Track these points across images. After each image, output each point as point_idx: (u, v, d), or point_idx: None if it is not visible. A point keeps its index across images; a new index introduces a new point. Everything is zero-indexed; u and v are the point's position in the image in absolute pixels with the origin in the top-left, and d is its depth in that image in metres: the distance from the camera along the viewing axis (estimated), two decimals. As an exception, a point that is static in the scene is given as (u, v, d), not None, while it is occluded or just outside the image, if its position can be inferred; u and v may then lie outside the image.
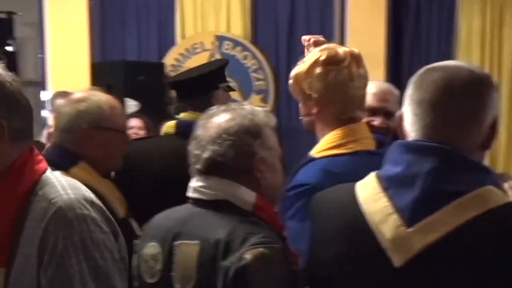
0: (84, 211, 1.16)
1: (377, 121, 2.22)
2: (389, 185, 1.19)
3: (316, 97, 1.71)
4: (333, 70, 1.70)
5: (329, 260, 1.25)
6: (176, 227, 1.42)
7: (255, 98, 5.32)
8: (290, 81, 1.77)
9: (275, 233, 1.39)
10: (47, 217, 1.14)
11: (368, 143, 1.73)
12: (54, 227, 1.13)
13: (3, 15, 5.06)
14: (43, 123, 4.73)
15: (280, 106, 5.36)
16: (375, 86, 2.25)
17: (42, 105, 4.80)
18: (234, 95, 5.30)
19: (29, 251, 1.15)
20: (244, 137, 1.40)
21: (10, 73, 1.23)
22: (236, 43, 5.32)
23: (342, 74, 1.70)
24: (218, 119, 1.43)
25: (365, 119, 2.00)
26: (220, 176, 1.40)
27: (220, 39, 5.34)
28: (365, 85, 1.74)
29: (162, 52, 5.40)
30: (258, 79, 5.37)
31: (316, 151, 1.74)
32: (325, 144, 1.72)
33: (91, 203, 1.19)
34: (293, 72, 1.77)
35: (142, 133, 4.22)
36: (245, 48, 5.32)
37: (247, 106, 1.48)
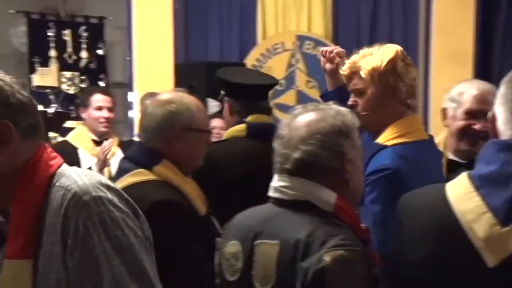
0: (99, 193, 1.18)
1: (478, 125, 2.07)
2: (481, 184, 1.16)
3: (395, 90, 1.84)
4: (410, 63, 1.88)
5: (417, 260, 1.22)
6: (257, 226, 1.42)
7: (336, 97, 5.25)
8: (364, 75, 1.85)
9: (356, 235, 1.37)
10: (65, 204, 1.17)
11: (423, 133, 1.89)
12: (73, 211, 1.16)
13: (95, 20, 5.27)
14: (131, 123, 4.90)
15: (361, 105, 5.26)
16: (475, 87, 2.11)
17: (129, 105, 4.96)
18: (315, 94, 5.28)
19: (53, 239, 1.17)
20: (336, 138, 1.39)
21: (3, 74, 1.24)
22: (317, 42, 5.27)
23: (414, 67, 1.90)
24: (306, 118, 1.42)
25: (465, 122, 2.10)
26: (304, 177, 1.39)
27: (301, 38, 5.32)
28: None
29: (244, 52, 5.44)
30: (339, 79, 5.29)
31: (385, 139, 1.83)
32: (393, 133, 1.83)
33: (107, 186, 1.21)
34: (368, 66, 1.85)
35: (223, 133, 4.27)
36: (326, 48, 5.27)
37: (333, 106, 1.46)
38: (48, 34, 5.03)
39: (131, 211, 1.22)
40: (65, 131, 4.28)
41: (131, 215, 1.22)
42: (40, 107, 4.69)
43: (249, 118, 2.32)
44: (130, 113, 4.90)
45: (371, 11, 5.23)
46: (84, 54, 5.20)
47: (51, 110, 4.16)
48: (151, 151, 1.87)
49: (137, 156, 1.88)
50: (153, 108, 1.91)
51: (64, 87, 5.09)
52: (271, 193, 1.45)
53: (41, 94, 4.77)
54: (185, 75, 4.92)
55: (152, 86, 4.93)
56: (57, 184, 1.21)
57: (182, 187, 1.85)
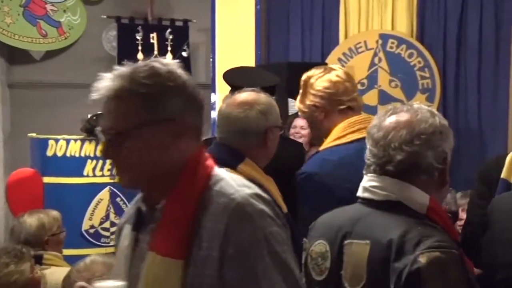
0: (260, 206, 1.15)
1: None
2: None
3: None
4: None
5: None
6: (346, 226, 1.40)
7: (420, 97, 5.06)
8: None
9: (450, 237, 1.32)
10: (228, 213, 1.14)
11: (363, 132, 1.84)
12: (236, 222, 1.13)
13: (180, 23, 5.37)
14: (213, 123, 4.95)
15: (445, 105, 5.06)
16: None
17: (212, 106, 5.02)
18: (397, 94, 5.13)
19: (210, 245, 1.14)
20: (438, 138, 1.38)
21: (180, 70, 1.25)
22: (400, 41, 5.10)
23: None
24: (402, 118, 1.39)
25: None
26: (401, 178, 1.36)
27: (384, 37, 5.16)
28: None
29: (325, 52, 5.35)
30: (423, 77, 5.10)
31: (322, 146, 2.04)
32: (328, 139, 2.02)
33: (263, 198, 1.18)
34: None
35: (304, 132, 4.23)
36: (410, 46, 5.09)
37: (422, 106, 1.42)
38: (136, 37, 5.18)
39: (282, 225, 1.19)
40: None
41: (283, 228, 1.19)
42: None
43: None
44: (213, 114, 4.96)
45: (460, 6, 5.00)
46: (169, 56, 5.30)
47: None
48: (233, 150, 1.87)
49: (221, 155, 1.83)
50: (238, 109, 1.90)
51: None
52: (361, 193, 1.42)
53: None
54: (266, 76, 4.90)
55: (234, 87, 4.95)
56: (216, 188, 1.18)
57: (265, 185, 1.84)
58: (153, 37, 5.22)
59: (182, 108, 1.19)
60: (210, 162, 1.24)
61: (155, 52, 5.25)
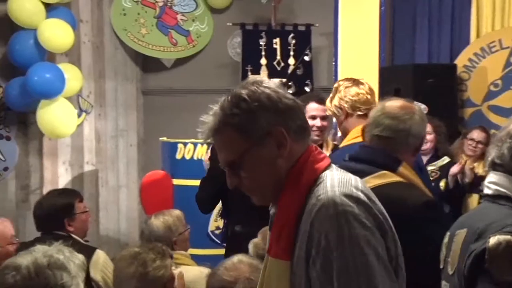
0: (346, 207, 1.14)
1: None
2: None
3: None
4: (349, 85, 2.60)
5: None
6: (462, 218, 1.54)
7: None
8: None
9: None
10: (313, 213, 1.16)
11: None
12: (318, 223, 1.15)
13: (302, 28, 5.30)
14: (335, 126, 4.82)
15: None
16: None
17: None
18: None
19: (301, 245, 1.19)
20: None
21: (267, 80, 1.29)
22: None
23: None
24: None
25: None
26: (508, 173, 1.43)
27: (522, 35, 4.75)
28: None
29: (454, 53, 5.00)
30: None
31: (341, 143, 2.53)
32: (348, 137, 2.45)
33: (357, 199, 1.16)
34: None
35: (429, 137, 4.00)
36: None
37: None
38: (260, 43, 5.18)
39: (377, 228, 1.16)
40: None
41: (377, 233, 1.15)
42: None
43: None
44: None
45: None
46: (291, 60, 5.25)
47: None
48: (388, 154, 1.86)
49: (373, 158, 1.86)
50: (403, 111, 1.90)
51: (272, 93, 5.21)
52: (483, 189, 1.50)
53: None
54: (389, 79, 4.68)
55: (356, 90, 4.78)
56: (315, 190, 1.21)
57: (421, 186, 1.88)
58: (276, 42, 5.18)
59: (274, 119, 1.23)
60: (321, 164, 1.25)
61: (278, 57, 5.22)
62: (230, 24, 5.31)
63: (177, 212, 2.81)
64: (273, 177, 1.25)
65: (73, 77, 4.53)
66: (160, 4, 5.48)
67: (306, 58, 5.18)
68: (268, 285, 1.24)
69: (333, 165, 1.29)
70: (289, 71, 5.20)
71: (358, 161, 1.89)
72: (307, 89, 5.23)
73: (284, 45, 5.19)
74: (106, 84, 5.25)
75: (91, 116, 5.05)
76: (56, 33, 4.36)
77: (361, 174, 1.77)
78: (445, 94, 4.49)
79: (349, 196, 1.16)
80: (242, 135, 1.24)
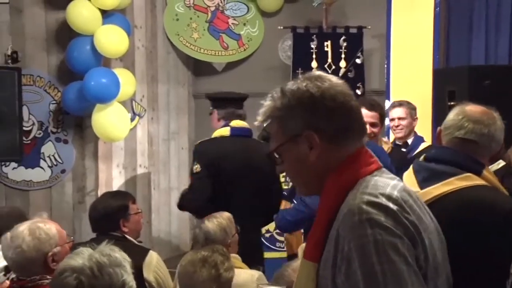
0: (371, 215, 1.12)
1: None
2: None
3: None
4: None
5: None
6: None
7: None
8: None
9: None
10: (339, 220, 1.16)
11: None
12: (342, 230, 1.15)
13: (354, 30, 5.25)
14: (387, 130, 4.74)
15: None
16: None
17: (386, 113, 4.81)
18: None
19: (329, 249, 1.19)
20: None
21: (315, 80, 1.26)
22: None
23: None
24: None
25: None
26: None
27: None
28: None
29: (513, 54, 4.87)
30: None
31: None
32: None
33: (384, 208, 1.14)
34: None
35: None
36: None
37: None
38: (311, 46, 5.16)
39: (407, 236, 1.13)
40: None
41: (406, 240, 1.12)
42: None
43: (233, 123, 3.40)
44: (387, 121, 4.75)
45: None
46: (342, 63, 5.21)
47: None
48: (471, 157, 1.85)
49: (456, 160, 1.84)
50: (487, 116, 1.92)
51: (323, 96, 5.17)
52: None
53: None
54: (443, 81, 4.58)
55: (409, 93, 4.68)
56: (350, 194, 1.20)
57: (505, 192, 1.86)
58: (327, 45, 5.15)
59: (308, 120, 1.24)
60: (367, 168, 1.23)
61: (329, 60, 5.19)
62: (281, 27, 5.31)
63: (227, 214, 2.84)
64: (306, 175, 1.27)
65: (127, 82, 4.65)
66: (212, 8, 5.54)
67: (358, 60, 5.12)
68: (297, 285, 1.26)
69: (383, 170, 1.26)
70: (340, 74, 5.16)
71: (438, 162, 1.86)
72: (359, 92, 5.17)
73: (335, 48, 5.15)
74: (159, 88, 5.35)
75: (144, 119, 5.15)
76: (111, 39, 4.48)
77: (443, 175, 1.80)
78: (502, 96, 4.34)
79: (375, 204, 1.14)
80: (280, 129, 1.28)
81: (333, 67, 5.19)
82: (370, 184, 1.20)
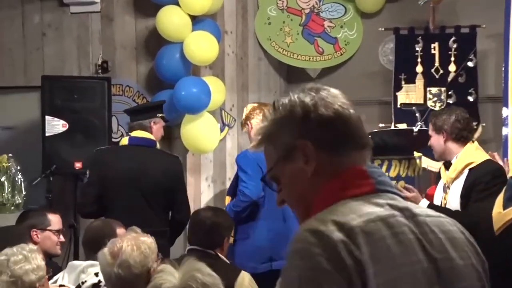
0: (305, 245, 1.08)
1: None
2: None
3: None
4: None
5: None
6: None
7: None
8: None
9: None
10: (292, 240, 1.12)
11: None
12: (287, 258, 1.11)
13: (466, 30, 5.13)
14: (504, 141, 4.59)
15: None
16: None
17: (503, 121, 4.66)
18: None
19: None
20: None
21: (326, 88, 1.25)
22: None
23: None
24: None
25: None
26: None
27: None
28: None
29: None
30: None
31: None
32: None
33: (325, 238, 1.07)
34: None
35: None
36: None
37: None
38: (416, 49, 5.10)
39: (341, 274, 1.05)
40: (429, 151, 4.26)
41: (337, 277, 1.04)
42: (403, 125, 4.76)
43: (133, 134, 3.98)
44: (504, 130, 4.60)
45: None
46: (452, 67, 5.11)
47: (416, 128, 4.20)
48: None
49: None
50: None
51: (430, 103, 5.09)
52: None
53: (406, 112, 4.84)
54: None
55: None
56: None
57: None
58: (435, 47, 5.06)
59: (301, 132, 1.21)
60: (348, 191, 1.17)
61: (436, 64, 5.10)
62: (382, 29, 5.29)
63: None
64: (303, 196, 1.22)
65: (216, 90, 4.80)
66: (307, 11, 5.62)
67: (470, 64, 5.01)
68: None
69: (374, 195, 1.17)
70: (449, 79, 5.06)
71: None
72: (471, 99, 5.05)
73: (444, 50, 5.07)
74: (249, 97, 5.47)
75: (234, 130, 5.29)
76: (201, 46, 4.66)
77: None
78: None
79: (316, 232, 1.08)
80: (272, 146, 1.26)
81: (441, 71, 5.11)
82: (340, 208, 1.14)
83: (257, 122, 3.92)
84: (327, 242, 1.07)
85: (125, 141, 3.99)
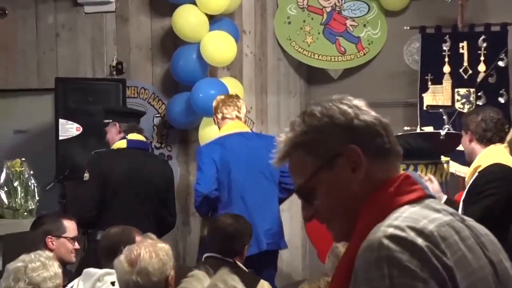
0: (391, 252, 1.06)
1: None
2: None
3: None
4: None
5: None
6: None
7: None
8: None
9: None
10: (358, 254, 1.11)
11: None
12: (359, 267, 1.09)
13: (496, 28, 5.08)
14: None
15: None
16: None
17: None
18: None
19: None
20: None
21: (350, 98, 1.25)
22: None
23: None
24: None
25: None
26: None
27: None
28: None
29: None
30: None
31: None
32: None
33: (409, 244, 1.07)
34: None
35: None
36: None
37: None
38: (443, 48, 5.07)
39: (435, 280, 1.06)
40: (457, 155, 4.24)
41: (432, 284, 1.05)
42: (430, 128, 4.74)
43: (129, 136, 4.03)
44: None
45: None
46: (481, 67, 5.07)
47: (443, 131, 4.18)
48: None
49: None
50: None
51: (458, 105, 5.06)
52: None
53: (433, 114, 4.81)
54: None
55: None
56: (375, 227, 1.13)
57: None
58: (463, 47, 5.03)
59: (347, 136, 1.20)
60: (403, 196, 1.17)
61: (465, 64, 5.07)
62: (408, 27, 5.27)
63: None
64: (348, 207, 1.20)
65: (234, 92, 4.82)
66: (328, 9, 5.61)
67: (501, 63, 4.97)
68: None
69: (429, 201, 1.19)
70: (479, 79, 5.03)
71: None
72: (502, 100, 5.01)
73: (473, 49, 5.03)
74: (268, 99, 5.49)
75: (252, 133, 5.30)
76: (219, 46, 4.66)
77: None
78: None
79: (399, 239, 1.07)
80: (310, 155, 1.22)
81: (470, 71, 5.07)
82: (403, 215, 1.13)
83: (227, 113, 3.97)
84: (413, 248, 1.07)
85: (123, 144, 4.01)
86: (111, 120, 4.10)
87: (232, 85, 4.82)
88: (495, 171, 3.39)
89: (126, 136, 4.02)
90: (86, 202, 3.96)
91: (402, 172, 1.23)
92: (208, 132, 4.72)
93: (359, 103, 1.25)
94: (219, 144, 3.91)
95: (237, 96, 4.14)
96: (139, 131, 4.09)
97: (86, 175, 3.95)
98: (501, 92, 5.00)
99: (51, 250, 3.14)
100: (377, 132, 1.22)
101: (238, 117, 3.99)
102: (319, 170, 1.21)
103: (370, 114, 1.23)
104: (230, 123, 3.96)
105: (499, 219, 3.21)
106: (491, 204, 3.28)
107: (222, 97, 4.09)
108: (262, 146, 3.78)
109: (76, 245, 3.35)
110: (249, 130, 4.17)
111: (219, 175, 3.88)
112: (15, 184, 4.27)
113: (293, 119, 1.27)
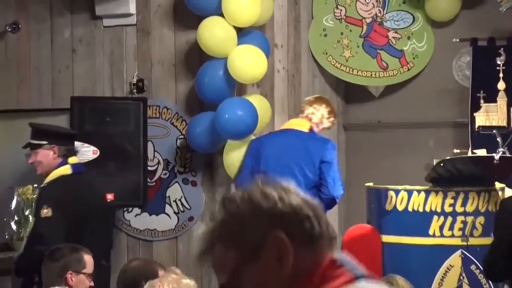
0: None
1: None
2: None
3: None
4: None
5: None
6: None
7: None
8: None
9: None
10: None
11: None
12: None
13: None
14: None
15: None
16: None
17: None
18: None
19: None
20: None
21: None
22: None
23: None
24: None
25: None
26: None
27: None
28: None
29: None
30: None
31: None
32: None
33: None
34: None
35: None
36: None
37: None
38: (497, 62, 4.97)
39: None
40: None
41: None
42: (483, 152, 4.63)
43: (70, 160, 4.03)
44: None
45: None
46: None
47: (497, 155, 4.08)
48: None
49: None
50: None
51: (514, 126, 4.97)
52: None
53: (486, 136, 4.72)
54: None
55: None
56: None
57: None
58: (519, 61, 4.97)
59: (271, 225, 1.18)
60: (335, 280, 1.17)
61: (521, 80, 4.99)
62: (457, 40, 5.21)
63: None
64: None
65: (261, 110, 4.78)
66: (368, 20, 5.56)
67: None
68: None
69: (358, 284, 1.19)
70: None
71: None
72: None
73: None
74: (302, 119, 5.44)
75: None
76: (248, 61, 4.60)
77: None
78: None
79: None
80: (231, 249, 1.19)
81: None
82: None
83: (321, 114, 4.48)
84: None
85: (66, 170, 3.98)
86: (46, 142, 4.00)
87: (260, 105, 4.77)
88: None
89: (68, 161, 3.99)
90: (53, 241, 3.77)
91: (328, 255, 1.20)
92: (234, 158, 4.67)
93: (287, 184, 1.22)
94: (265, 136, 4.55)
95: (325, 100, 4.65)
96: (75, 154, 4.11)
97: (46, 210, 3.90)
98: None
99: (70, 286, 3.10)
100: (305, 216, 1.19)
101: (308, 117, 4.43)
102: (242, 265, 1.18)
103: (298, 196, 1.21)
104: (292, 120, 4.51)
105: None
106: None
107: (311, 98, 4.58)
108: (302, 146, 4.15)
109: (92, 283, 3.30)
110: (306, 130, 4.42)
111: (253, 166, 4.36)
112: (26, 212, 4.29)
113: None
